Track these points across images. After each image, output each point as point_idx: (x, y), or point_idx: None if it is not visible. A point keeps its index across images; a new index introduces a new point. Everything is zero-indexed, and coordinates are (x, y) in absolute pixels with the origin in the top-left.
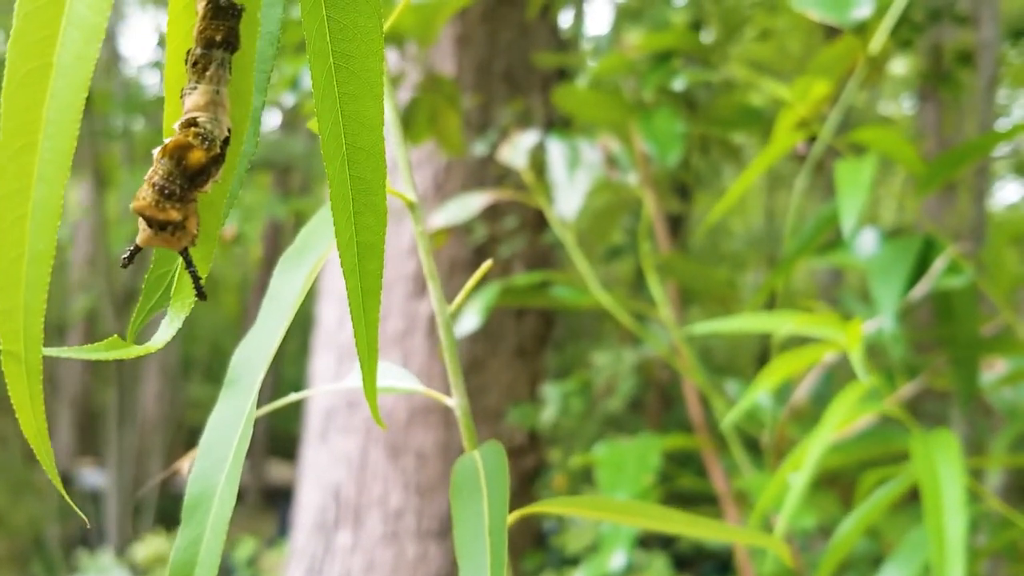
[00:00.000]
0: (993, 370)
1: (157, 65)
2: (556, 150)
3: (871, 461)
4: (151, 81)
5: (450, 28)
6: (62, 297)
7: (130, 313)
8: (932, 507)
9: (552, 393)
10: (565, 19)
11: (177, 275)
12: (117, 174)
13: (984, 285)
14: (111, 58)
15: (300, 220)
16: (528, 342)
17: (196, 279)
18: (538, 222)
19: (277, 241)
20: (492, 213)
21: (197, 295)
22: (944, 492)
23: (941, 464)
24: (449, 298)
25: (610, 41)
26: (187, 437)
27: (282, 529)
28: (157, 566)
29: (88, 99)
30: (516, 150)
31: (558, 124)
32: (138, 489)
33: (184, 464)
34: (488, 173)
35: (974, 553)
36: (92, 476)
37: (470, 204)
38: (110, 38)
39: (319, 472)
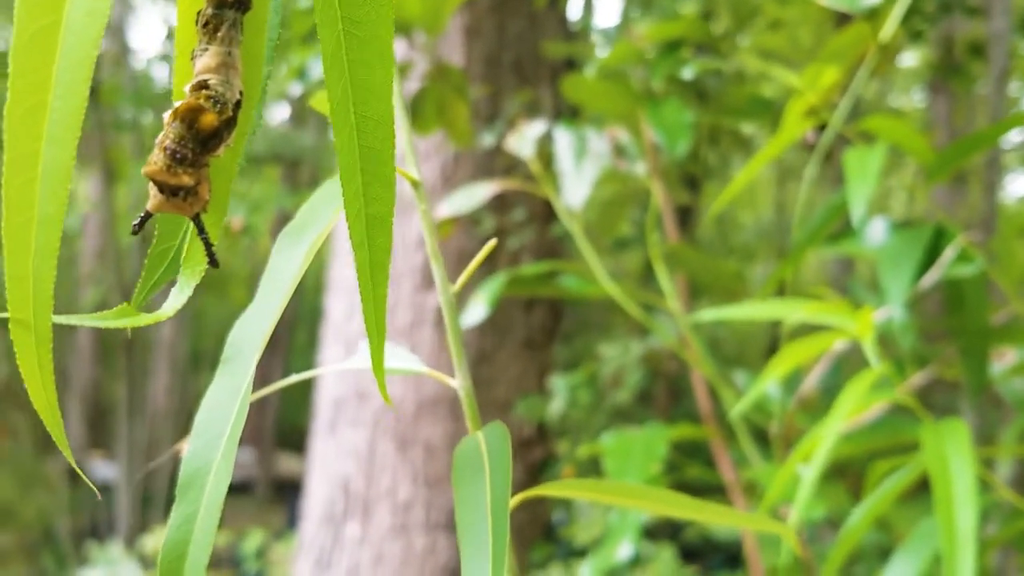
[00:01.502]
0: (1003, 360)
1: (166, 58)
2: (563, 140)
3: (880, 451)
4: (160, 74)
5: (458, 18)
6: (72, 289)
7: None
8: (943, 498)
9: (560, 385)
10: (574, 9)
11: (188, 242)
12: (126, 167)
13: (994, 274)
14: (120, 51)
15: None
16: (536, 334)
17: (208, 245)
18: (546, 214)
19: None
20: (500, 205)
21: (209, 262)
22: (955, 483)
23: (952, 454)
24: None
25: (619, 30)
26: None
27: (291, 521)
28: None
29: (97, 92)
30: (523, 140)
31: (566, 114)
32: (148, 481)
33: (184, 447)
34: (496, 164)
35: (984, 544)
36: (102, 468)
37: (477, 194)
38: (119, 31)
39: (328, 464)
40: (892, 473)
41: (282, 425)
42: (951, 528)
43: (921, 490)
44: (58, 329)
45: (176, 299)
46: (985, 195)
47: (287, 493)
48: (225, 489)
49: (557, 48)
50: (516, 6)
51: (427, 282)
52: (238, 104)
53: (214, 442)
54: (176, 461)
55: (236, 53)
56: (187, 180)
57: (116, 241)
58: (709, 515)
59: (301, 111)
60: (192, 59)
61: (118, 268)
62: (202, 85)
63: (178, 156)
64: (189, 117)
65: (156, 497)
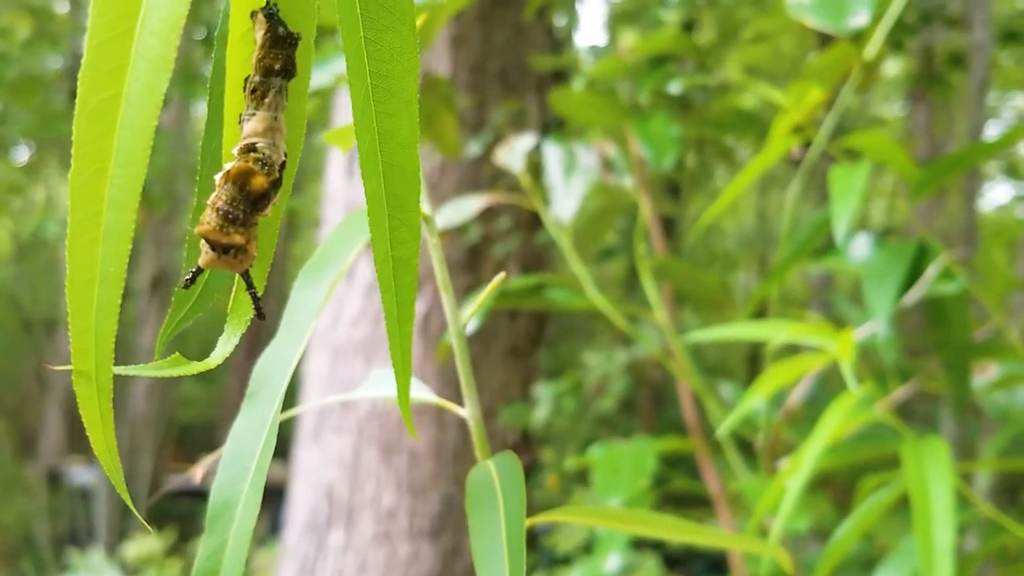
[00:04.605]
0: (985, 374)
1: None
2: (553, 154)
3: (864, 463)
4: None
5: (445, 28)
6: (55, 295)
7: (124, 314)
8: (921, 516)
9: (544, 393)
10: (560, 20)
11: (233, 295)
12: None
13: (976, 290)
14: None
15: (291, 219)
16: (521, 342)
17: (256, 300)
18: (532, 222)
19: None
20: (486, 213)
21: (257, 315)
22: (933, 501)
23: (931, 473)
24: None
25: (606, 44)
26: (177, 435)
27: (274, 528)
28: (147, 565)
29: None
30: (513, 153)
31: (552, 125)
32: (128, 487)
33: (197, 471)
34: (482, 173)
35: (966, 559)
36: (82, 474)
37: (466, 207)
38: None
39: (312, 471)
40: (880, 488)
41: None
42: (929, 547)
43: (905, 503)
44: (37, 333)
45: (224, 348)
46: (965, 205)
47: (270, 500)
48: (254, 520)
49: (545, 61)
50: (502, 16)
51: None
52: (283, 165)
53: (242, 474)
54: (157, 469)
55: (281, 117)
56: (238, 239)
57: None
58: (698, 536)
59: None
60: (240, 123)
61: None
62: (250, 148)
63: (230, 216)
64: (240, 180)
65: (137, 503)
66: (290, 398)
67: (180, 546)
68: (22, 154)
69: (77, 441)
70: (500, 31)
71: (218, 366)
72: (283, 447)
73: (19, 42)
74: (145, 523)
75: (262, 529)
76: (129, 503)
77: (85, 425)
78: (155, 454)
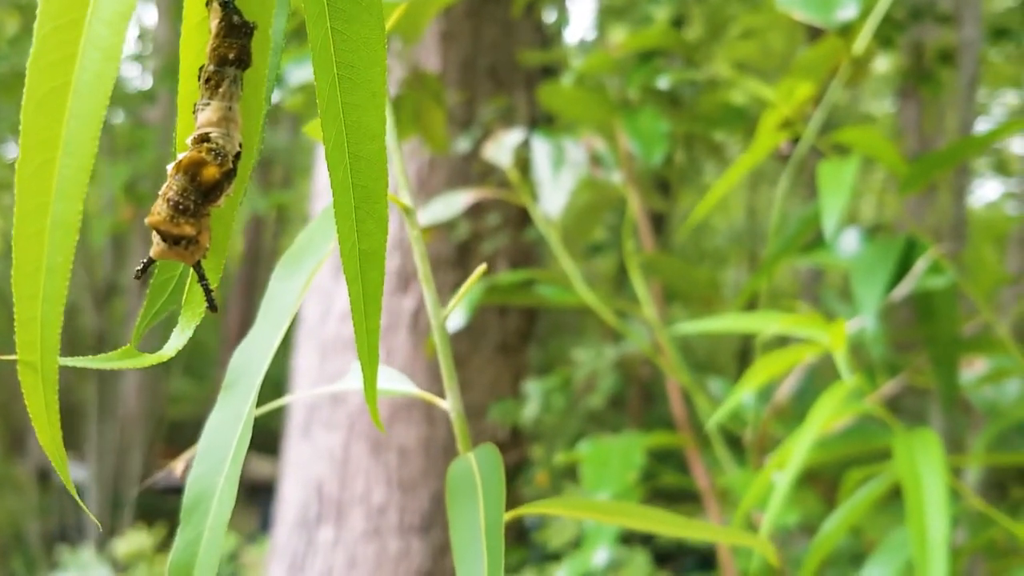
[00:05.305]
0: (973, 369)
1: (138, 58)
2: (541, 149)
3: (852, 458)
4: (131, 74)
5: (434, 24)
6: None
7: (110, 307)
8: (914, 508)
9: (534, 389)
10: (549, 16)
11: (187, 287)
12: (98, 166)
13: (965, 285)
14: None
15: (281, 214)
16: (511, 338)
17: (208, 292)
18: (521, 218)
19: (258, 235)
20: (475, 209)
21: (209, 307)
22: (926, 493)
23: (923, 465)
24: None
25: (595, 39)
26: (168, 431)
27: (264, 524)
28: (138, 562)
29: None
30: (501, 148)
31: (541, 121)
32: (118, 484)
33: (178, 464)
34: (471, 169)
35: (956, 553)
36: (72, 470)
37: (455, 202)
38: None
39: (301, 467)
40: (866, 482)
41: (254, 427)
42: (923, 538)
43: (892, 497)
44: None
45: (177, 340)
46: (954, 201)
47: (259, 496)
48: (229, 513)
49: (534, 56)
50: (491, 12)
51: (402, 285)
52: (237, 156)
53: (217, 466)
54: (147, 466)
55: (236, 107)
56: (189, 230)
57: (87, 241)
58: (685, 530)
59: (273, 111)
60: (194, 112)
61: (89, 269)
62: (203, 138)
63: (181, 207)
64: (192, 170)
65: (126, 500)
66: (279, 393)
67: (170, 542)
68: (11, 151)
69: (67, 438)
70: (489, 27)
71: (207, 361)
72: (273, 443)
73: (7, 38)
74: (130, 520)
75: (252, 525)
76: (74, 494)
77: (31, 417)
78: (146, 450)
